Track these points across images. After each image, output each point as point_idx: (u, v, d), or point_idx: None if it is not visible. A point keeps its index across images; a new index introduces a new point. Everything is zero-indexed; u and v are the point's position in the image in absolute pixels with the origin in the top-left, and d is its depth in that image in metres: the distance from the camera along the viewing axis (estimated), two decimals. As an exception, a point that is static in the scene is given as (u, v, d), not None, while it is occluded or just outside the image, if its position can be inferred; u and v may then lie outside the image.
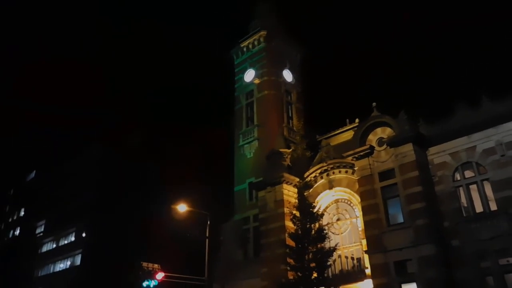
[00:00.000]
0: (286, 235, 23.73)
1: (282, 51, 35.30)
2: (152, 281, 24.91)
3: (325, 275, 21.68)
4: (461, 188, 20.51)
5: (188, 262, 33.28)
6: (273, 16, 37.35)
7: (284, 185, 26.16)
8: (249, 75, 34.78)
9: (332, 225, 24.85)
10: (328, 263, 21.82)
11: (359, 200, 22.94)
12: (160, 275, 25.21)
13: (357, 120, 26.67)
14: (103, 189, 48.85)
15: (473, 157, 20.34)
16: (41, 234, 58.15)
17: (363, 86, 70.71)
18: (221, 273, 28.10)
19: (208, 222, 26.35)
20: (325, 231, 22.64)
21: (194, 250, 32.26)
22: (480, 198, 19.88)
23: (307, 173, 26.00)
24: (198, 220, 29.28)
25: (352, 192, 24.15)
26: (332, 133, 27.81)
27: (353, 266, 23.31)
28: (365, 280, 21.83)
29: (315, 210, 23.33)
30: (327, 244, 22.67)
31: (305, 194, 24.44)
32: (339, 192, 25.17)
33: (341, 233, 24.47)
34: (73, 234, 51.44)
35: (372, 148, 22.73)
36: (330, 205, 25.61)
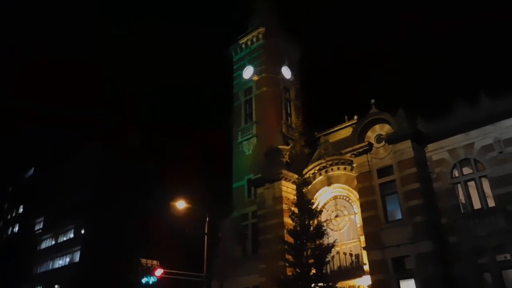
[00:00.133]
0: (285, 231, 23.80)
1: (281, 48, 35.26)
2: (151, 277, 24.94)
3: (324, 271, 21.74)
4: (459, 185, 20.58)
5: (187, 258, 33.28)
6: (272, 13, 37.30)
7: (283, 182, 26.20)
8: (248, 72, 34.76)
9: (331, 221, 24.93)
10: (327, 259, 21.86)
11: (358, 196, 23.01)
12: (159, 272, 25.23)
13: (355, 117, 26.67)
14: (102, 186, 48.83)
15: (471, 154, 20.40)
16: (40, 231, 58.19)
17: (362, 85, 70.85)
18: (220, 269, 28.16)
19: (207, 219, 26.39)
20: (323, 228, 22.67)
21: (193, 247, 32.29)
22: (478, 195, 19.96)
23: (306, 170, 26.03)
24: (197, 217, 29.32)
25: (351, 189, 24.21)
26: (331, 130, 27.82)
27: (352, 263, 23.39)
28: (363, 277, 21.93)
29: (313, 207, 23.34)
30: (326, 241, 22.70)
31: (303, 190, 24.43)
32: (337, 189, 25.24)
33: (340, 230, 24.55)
34: (72, 231, 51.47)
35: (370, 145, 22.77)
36: (328, 202, 25.67)
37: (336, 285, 21.36)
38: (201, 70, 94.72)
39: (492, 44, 67.46)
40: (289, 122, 32.44)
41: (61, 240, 53.39)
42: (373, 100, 23.65)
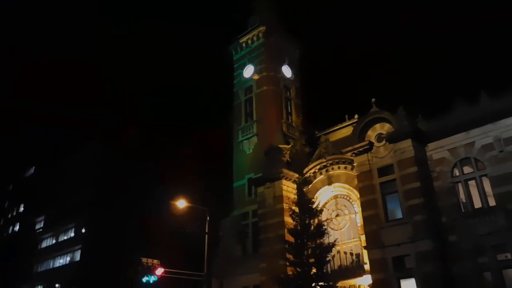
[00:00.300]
0: (285, 230, 23.80)
1: (281, 47, 35.24)
2: (152, 276, 24.97)
3: (324, 270, 21.77)
4: (459, 184, 20.57)
5: (187, 257, 33.36)
6: (272, 12, 37.25)
7: (283, 181, 26.19)
8: (248, 71, 34.74)
9: (331, 220, 24.93)
10: (327, 258, 21.92)
11: (358, 195, 23.00)
12: (159, 271, 25.26)
13: (356, 116, 26.66)
14: (102, 186, 48.88)
15: (471, 153, 20.39)
16: (41, 230, 58.26)
17: (363, 84, 70.86)
18: (220, 268, 28.20)
19: (208, 218, 26.41)
20: (324, 227, 22.72)
21: (193, 246, 32.34)
22: (478, 194, 19.95)
23: (306, 169, 26.03)
24: (197, 216, 29.35)
25: (351, 188, 24.20)
26: (331, 129, 27.83)
27: (352, 262, 23.41)
28: (364, 276, 21.92)
29: (314, 206, 23.37)
30: (326, 240, 22.73)
31: (304, 189, 24.47)
32: (338, 188, 25.23)
33: (340, 229, 24.55)
34: (73, 229, 51.54)
35: (371, 144, 22.76)
36: (329, 201, 25.67)
37: (337, 284, 21.41)
38: (201, 70, 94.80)
39: (492, 44, 67.52)
40: (290, 121, 32.42)
41: (62, 239, 53.45)
42: (373, 99, 23.61)
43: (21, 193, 65.11)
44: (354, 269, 22.96)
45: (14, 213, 65.98)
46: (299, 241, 22.02)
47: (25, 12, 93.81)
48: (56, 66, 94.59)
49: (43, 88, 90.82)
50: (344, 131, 27.05)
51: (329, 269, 23.02)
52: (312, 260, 21.42)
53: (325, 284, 20.93)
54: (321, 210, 23.93)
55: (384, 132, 22.57)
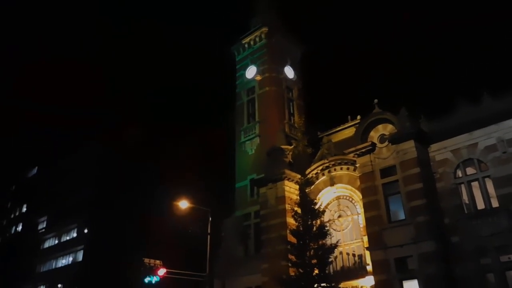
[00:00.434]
0: (288, 231, 23.76)
1: (284, 48, 35.26)
2: (154, 277, 25.02)
3: (326, 271, 21.72)
4: (462, 185, 20.52)
5: (189, 258, 33.39)
6: (274, 13, 37.26)
7: (286, 182, 26.18)
8: (251, 72, 34.77)
9: (334, 221, 24.90)
10: (330, 259, 21.86)
11: (361, 196, 22.97)
12: (161, 271, 25.32)
13: (358, 117, 26.58)
14: (105, 186, 49.00)
15: (474, 154, 20.34)
16: (43, 230, 58.40)
17: (364, 85, 70.70)
18: (222, 269, 28.21)
19: (210, 218, 26.43)
20: (326, 228, 22.67)
21: (195, 246, 32.36)
22: (481, 195, 19.87)
23: (309, 170, 26.00)
24: (199, 216, 29.37)
25: (354, 189, 24.17)
26: (334, 130, 27.77)
27: (354, 263, 23.37)
28: (366, 277, 21.89)
29: (316, 207, 23.37)
30: (329, 241, 22.67)
31: (306, 190, 24.41)
32: (340, 189, 25.20)
33: (343, 230, 24.52)
34: (75, 230, 51.68)
35: (373, 145, 22.72)
36: (331, 202, 25.64)
37: (339, 286, 21.35)
38: (201, 70, 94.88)
39: (493, 44, 67.38)
40: (292, 121, 32.41)
41: (64, 239, 53.59)
42: (376, 100, 23.58)
43: (24, 194, 65.29)
44: (356, 270, 22.92)
45: (17, 213, 66.16)
46: (301, 242, 21.98)
47: (25, 12, 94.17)
48: (56, 66, 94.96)
49: (43, 88, 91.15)
50: (347, 132, 27.01)
51: (331, 270, 22.96)
52: (314, 261, 21.39)
53: (327, 285, 20.90)
54: (324, 211, 23.88)
55: (387, 133, 22.54)
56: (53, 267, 53.75)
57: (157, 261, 25.87)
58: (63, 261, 52.20)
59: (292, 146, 28.00)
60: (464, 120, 20.71)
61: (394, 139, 21.83)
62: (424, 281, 18.91)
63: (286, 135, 29.93)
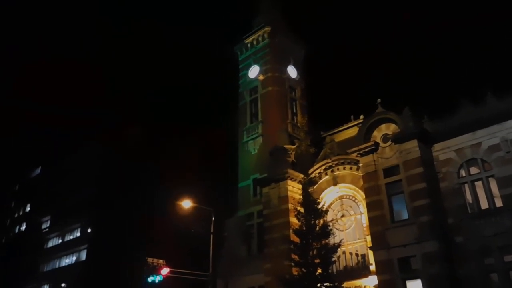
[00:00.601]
0: (291, 231, 23.78)
1: (286, 47, 35.25)
2: (157, 276, 25.09)
3: (330, 271, 21.74)
4: (466, 185, 20.46)
5: (192, 257, 33.46)
6: (276, 13, 37.28)
7: (289, 181, 26.17)
8: (254, 71, 34.77)
9: (337, 221, 24.87)
10: (333, 259, 21.86)
11: (364, 196, 22.95)
12: (165, 271, 25.39)
13: (361, 117, 26.55)
14: (106, 186, 49.11)
15: (478, 153, 20.28)
16: (47, 229, 58.55)
17: (365, 85, 70.71)
18: (225, 268, 28.23)
19: (213, 218, 26.46)
20: (329, 227, 22.63)
21: (198, 246, 32.42)
22: (485, 195, 19.83)
23: (312, 170, 26.00)
24: (202, 216, 29.43)
25: (357, 189, 24.15)
26: (337, 130, 27.74)
27: (358, 263, 23.34)
28: (370, 277, 21.87)
29: (319, 206, 23.33)
30: (332, 240, 22.67)
31: (309, 190, 24.43)
32: (343, 189, 25.18)
33: (346, 230, 24.50)
34: (79, 229, 51.78)
35: (376, 144, 22.69)
36: (334, 202, 25.62)
37: (342, 285, 21.37)
38: (202, 70, 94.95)
39: (493, 44, 67.22)
40: (295, 121, 32.42)
41: (68, 238, 53.71)
42: (379, 100, 23.55)
43: (28, 193, 65.49)
44: (359, 270, 22.89)
45: (21, 213, 66.37)
46: (304, 242, 21.98)
47: (25, 12, 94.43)
48: (56, 66, 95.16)
49: (43, 88, 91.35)
50: (350, 131, 26.98)
51: (334, 270, 22.97)
52: (317, 260, 21.38)
53: (330, 285, 20.88)
54: (327, 211, 23.85)
55: (390, 133, 22.50)
56: (57, 266, 53.88)
57: (160, 261, 25.95)
58: (67, 261, 52.34)
59: (295, 146, 28.00)
60: (467, 120, 20.66)
61: (397, 139, 21.79)
62: (427, 281, 18.88)
63: (289, 134, 29.92)
